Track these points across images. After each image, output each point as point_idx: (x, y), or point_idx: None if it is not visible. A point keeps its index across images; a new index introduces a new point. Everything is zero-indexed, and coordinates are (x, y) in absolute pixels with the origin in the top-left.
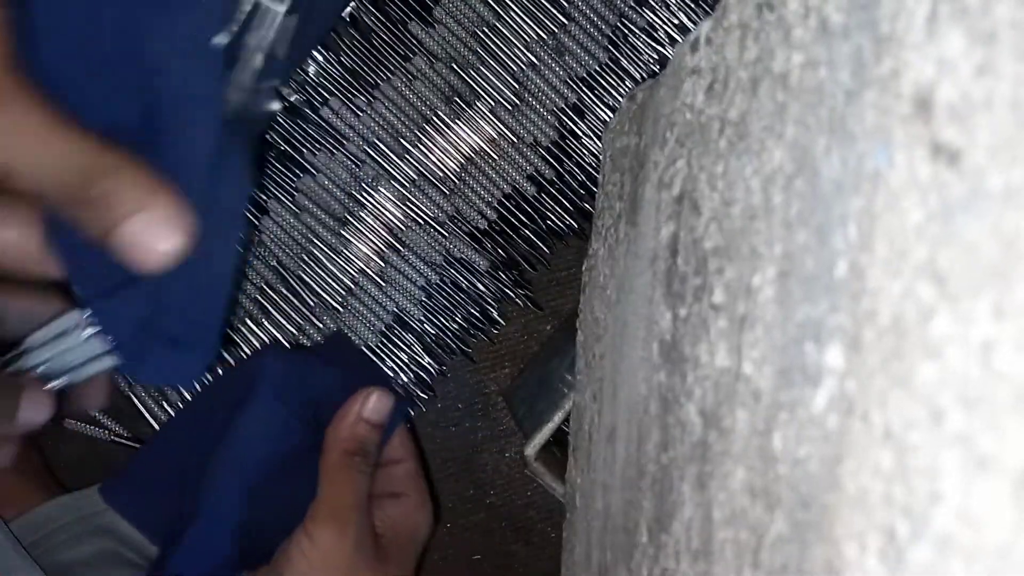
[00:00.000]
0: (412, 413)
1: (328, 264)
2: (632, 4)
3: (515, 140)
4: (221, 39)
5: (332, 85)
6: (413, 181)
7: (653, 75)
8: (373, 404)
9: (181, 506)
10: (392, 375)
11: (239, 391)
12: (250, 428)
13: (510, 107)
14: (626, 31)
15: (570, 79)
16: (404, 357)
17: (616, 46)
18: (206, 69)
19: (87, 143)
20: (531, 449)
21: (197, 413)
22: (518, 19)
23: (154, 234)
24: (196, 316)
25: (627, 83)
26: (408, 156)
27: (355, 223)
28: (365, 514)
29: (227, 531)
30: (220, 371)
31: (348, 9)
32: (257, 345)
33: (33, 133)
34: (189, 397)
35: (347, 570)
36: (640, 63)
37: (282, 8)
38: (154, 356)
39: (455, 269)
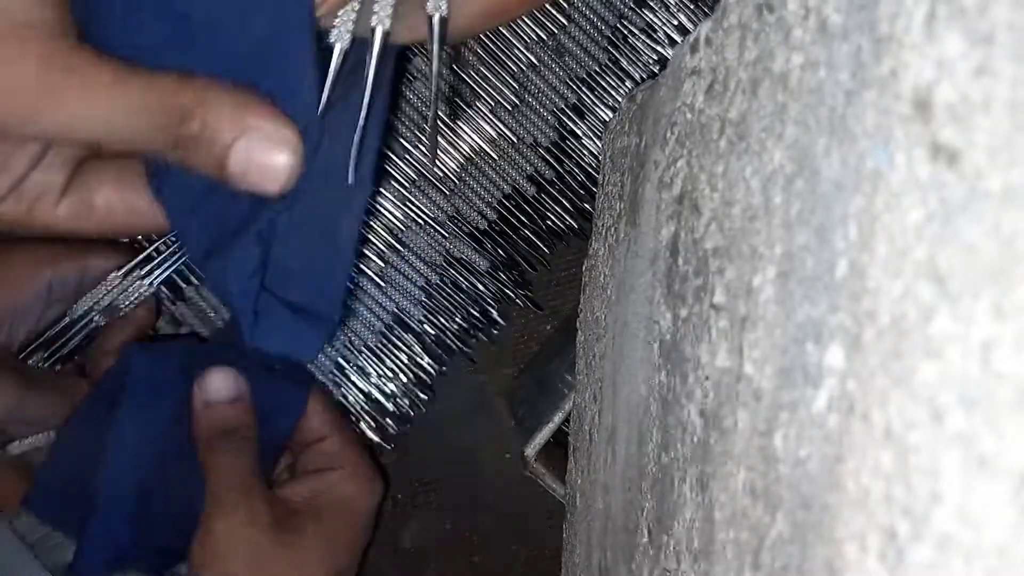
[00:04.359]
0: (307, 395)
1: None
2: (632, 5)
3: (515, 140)
4: None
5: None
6: (413, 181)
7: (653, 75)
8: (210, 385)
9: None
10: (392, 373)
11: (113, 392)
12: (124, 428)
13: (510, 107)
14: (626, 32)
15: (570, 80)
16: (404, 357)
17: (616, 47)
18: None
19: (165, 83)
20: (531, 449)
21: (87, 418)
22: (518, 20)
23: (264, 152)
24: (318, 283)
25: (627, 83)
26: (408, 156)
27: None
28: (255, 491)
29: (123, 522)
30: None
31: None
32: None
33: (106, 93)
34: None
35: (249, 550)
36: (640, 64)
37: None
38: (275, 322)
39: (455, 269)
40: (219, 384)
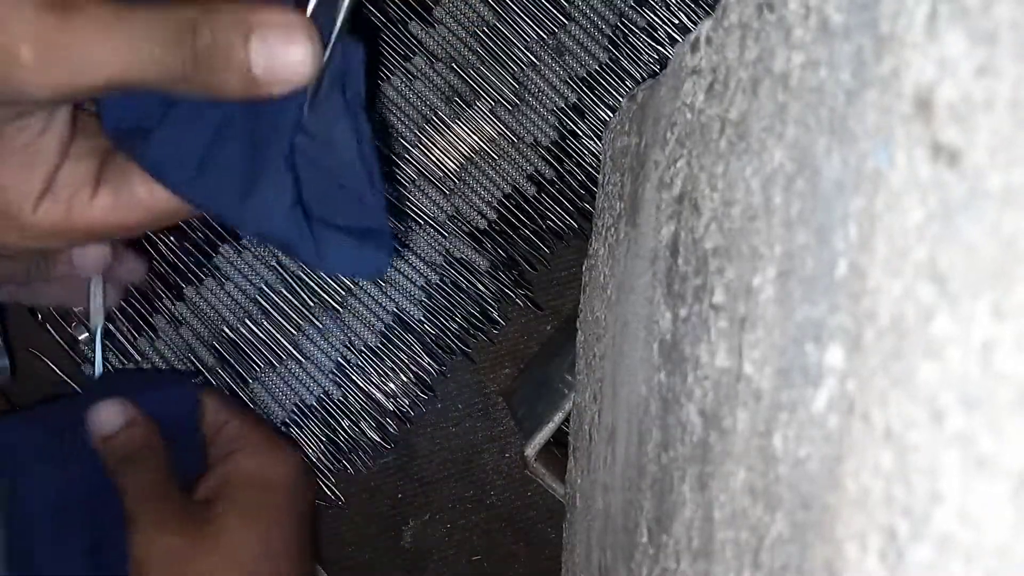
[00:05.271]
0: (194, 391)
1: None
2: (632, 4)
3: (515, 140)
4: None
5: None
6: (413, 181)
7: (653, 75)
8: (98, 420)
9: None
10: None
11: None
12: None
13: (510, 107)
14: (626, 31)
15: (570, 79)
16: (404, 357)
17: (616, 46)
18: None
19: (164, 4)
20: (531, 449)
21: None
22: (518, 19)
23: (282, 43)
24: (356, 201)
25: (627, 83)
26: (408, 156)
27: None
28: (167, 499)
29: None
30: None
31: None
32: (258, 347)
33: (109, 28)
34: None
35: (169, 556)
36: (640, 63)
37: None
38: (337, 247)
39: (455, 269)
40: (105, 416)
